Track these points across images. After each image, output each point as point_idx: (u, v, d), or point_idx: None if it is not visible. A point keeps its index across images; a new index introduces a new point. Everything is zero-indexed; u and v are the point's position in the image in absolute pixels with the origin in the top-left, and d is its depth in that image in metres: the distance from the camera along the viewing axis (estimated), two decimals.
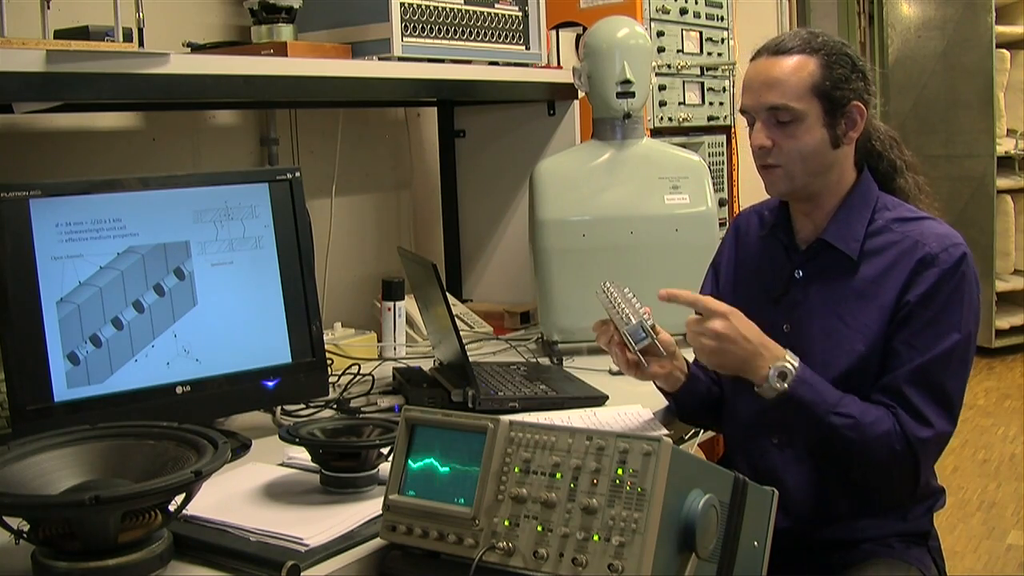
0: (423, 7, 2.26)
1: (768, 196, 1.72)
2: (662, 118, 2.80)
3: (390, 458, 1.31)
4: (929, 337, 1.52)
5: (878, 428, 1.50)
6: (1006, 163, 5.61)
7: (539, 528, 1.15)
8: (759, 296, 1.70)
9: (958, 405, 1.55)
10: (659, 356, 1.63)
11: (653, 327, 1.61)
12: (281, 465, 1.57)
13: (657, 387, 1.75)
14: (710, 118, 2.99)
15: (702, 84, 2.96)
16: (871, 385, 1.55)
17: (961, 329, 1.53)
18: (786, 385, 1.50)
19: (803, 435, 1.58)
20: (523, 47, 2.55)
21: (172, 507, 1.21)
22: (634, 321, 1.59)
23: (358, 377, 2.08)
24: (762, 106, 1.58)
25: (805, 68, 1.56)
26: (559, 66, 2.78)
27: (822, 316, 1.61)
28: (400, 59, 2.21)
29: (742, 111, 1.65)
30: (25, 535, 1.16)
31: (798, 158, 1.58)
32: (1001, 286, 5.57)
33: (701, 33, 2.95)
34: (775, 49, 1.60)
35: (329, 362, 1.86)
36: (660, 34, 2.79)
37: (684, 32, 2.88)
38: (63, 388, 1.53)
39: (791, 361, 1.51)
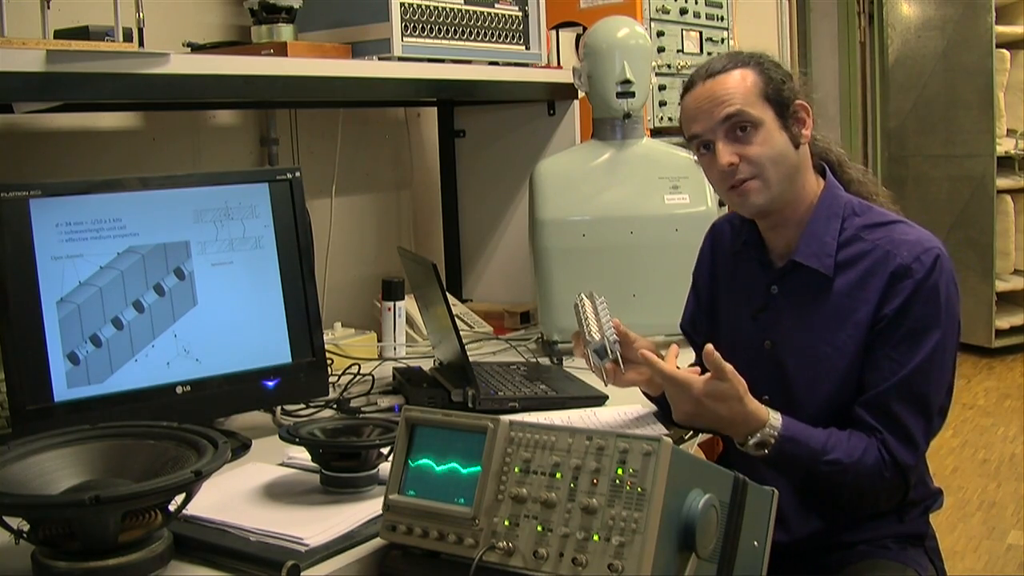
0: (423, 7, 2.26)
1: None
2: (662, 118, 2.80)
3: (390, 458, 1.31)
4: (910, 348, 1.50)
5: (867, 463, 1.49)
6: (1006, 163, 5.60)
7: (539, 528, 1.15)
8: (739, 312, 1.68)
9: (936, 412, 1.54)
10: (635, 363, 1.64)
11: (620, 342, 1.63)
12: (281, 465, 1.57)
13: (642, 392, 1.75)
14: None
15: None
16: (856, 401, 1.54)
17: (938, 331, 1.51)
18: (766, 452, 1.48)
19: (794, 481, 1.55)
20: (523, 47, 2.55)
21: (172, 507, 1.21)
22: (596, 339, 1.62)
23: (358, 377, 2.08)
24: (718, 121, 1.55)
25: (746, 78, 1.56)
26: (559, 66, 2.78)
27: (801, 334, 1.59)
28: (400, 59, 2.21)
29: (692, 139, 1.60)
30: (25, 535, 1.16)
31: (769, 163, 1.55)
32: (1001, 286, 5.56)
33: (701, 33, 2.95)
34: (707, 73, 1.58)
35: (329, 362, 1.86)
36: (660, 34, 2.79)
37: (684, 32, 2.88)
38: (63, 388, 1.53)
39: (773, 424, 1.47)
